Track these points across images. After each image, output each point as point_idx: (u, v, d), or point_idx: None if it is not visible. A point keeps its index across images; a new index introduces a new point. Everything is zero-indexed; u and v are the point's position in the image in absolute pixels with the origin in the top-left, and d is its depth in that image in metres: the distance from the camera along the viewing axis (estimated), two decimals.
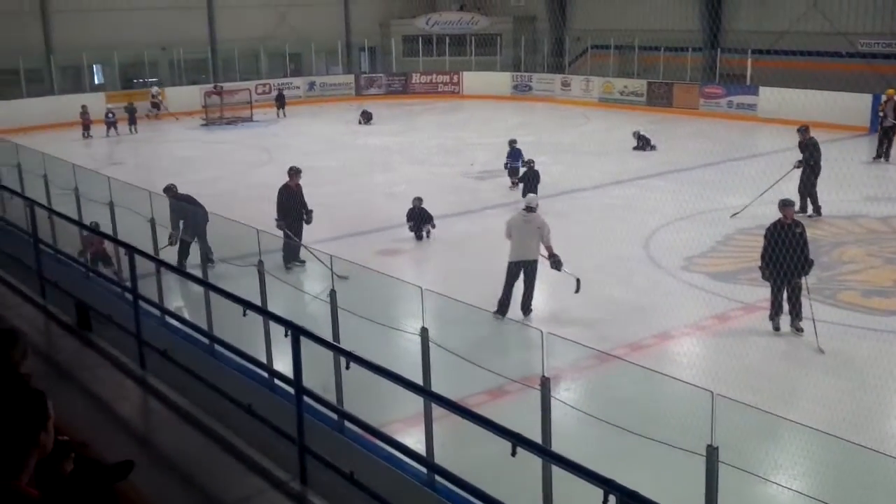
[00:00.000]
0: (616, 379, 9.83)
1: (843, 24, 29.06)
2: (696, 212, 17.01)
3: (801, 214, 14.79)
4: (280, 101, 34.59)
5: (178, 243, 12.72)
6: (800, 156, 16.64)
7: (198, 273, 10.38)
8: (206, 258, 11.54)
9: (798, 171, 16.55)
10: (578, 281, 11.79)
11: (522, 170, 19.21)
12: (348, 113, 33.35)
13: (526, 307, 11.96)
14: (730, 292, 12.64)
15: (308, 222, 14.45)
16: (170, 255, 11.79)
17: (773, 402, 8.43)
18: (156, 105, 33.31)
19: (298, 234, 14.39)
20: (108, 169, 21.73)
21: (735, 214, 16.59)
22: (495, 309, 11.67)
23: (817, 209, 16.63)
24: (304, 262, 14.06)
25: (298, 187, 14.56)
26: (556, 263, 11.88)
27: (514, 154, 20.04)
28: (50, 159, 13.73)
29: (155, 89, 33.79)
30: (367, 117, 31.74)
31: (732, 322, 11.75)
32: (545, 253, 11.88)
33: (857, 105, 25.71)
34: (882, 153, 21.96)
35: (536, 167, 18.83)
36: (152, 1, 35.30)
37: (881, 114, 22.45)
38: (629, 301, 12.56)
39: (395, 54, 40.63)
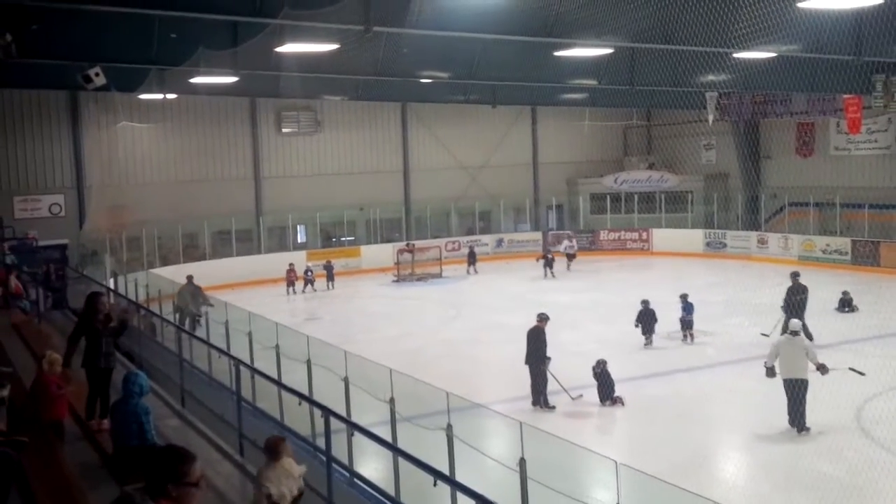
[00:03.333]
0: None
1: None
2: None
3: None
4: (471, 258, 35.43)
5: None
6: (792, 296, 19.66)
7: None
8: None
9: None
10: (857, 371, 13.74)
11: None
12: (535, 269, 33.64)
13: (799, 424, 13.31)
14: None
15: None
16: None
17: None
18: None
19: (542, 375, 15.24)
20: (307, 325, 22.83)
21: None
22: (788, 420, 13.42)
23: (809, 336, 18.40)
24: (553, 407, 15.08)
25: (540, 330, 15.59)
26: (824, 371, 13.44)
27: (688, 308, 20.40)
28: (254, 317, 14.53)
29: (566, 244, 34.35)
30: (549, 263, 32.65)
31: None
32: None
33: None
34: None
35: (688, 307, 20.39)
36: (353, 166, 37.86)
37: None
38: (840, 479, 11.48)
39: (582, 212, 41.03)
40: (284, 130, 36.93)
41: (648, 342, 20.12)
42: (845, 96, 29.45)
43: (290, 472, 6.47)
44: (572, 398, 15.31)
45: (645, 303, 20.36)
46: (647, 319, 20.14)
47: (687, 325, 20.34)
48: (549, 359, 15.39)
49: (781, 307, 19.40)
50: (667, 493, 9.68)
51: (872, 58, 18.79)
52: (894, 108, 27.87)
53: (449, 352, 20.50)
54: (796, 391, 13.32)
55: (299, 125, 37.18)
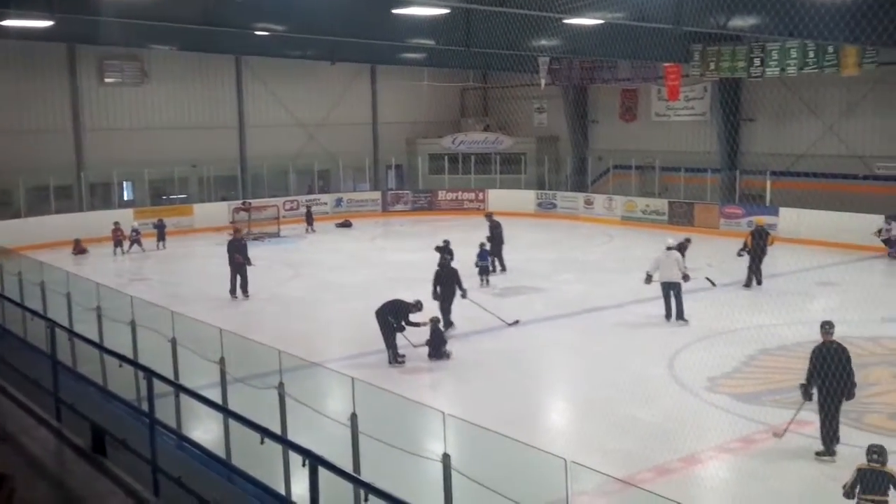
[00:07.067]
0: None
1: (859, 148, 29.46)
2: (717, 332, 16.89)
3: (501, 273, 23.45)
4: (309, 218, 35.08)
5: None
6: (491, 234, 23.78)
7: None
8: None
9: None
10: (710, 280, 19.75)
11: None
12: (375, 228, 33.74)
13: (679, 316, 17.69)
14: (754, 414, 12.49)
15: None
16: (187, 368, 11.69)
17: None
18: None
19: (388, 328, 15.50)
20: (133, 286, 21.97)
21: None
22: (664, 313, 17.89)
23: (504, 268, 23.74)
24: (404, 356, 15.50)
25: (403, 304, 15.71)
26: (686, 279, 17.73)
27: (483, 255, 22.47)
28: (74, 277, 13.87)
29: None
30: (346, 225, 35.37)
31: (758, 445, 11.52)
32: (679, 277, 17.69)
33: (873, 226, 25.78)
34: None
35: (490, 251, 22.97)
36: (184, 120, 36.43)
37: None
38: (653, 422, 12.30)
39: (421, 172, 41.36)
40: (107, 80, 34.90)
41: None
42: (665, 64, 31.01)
43: None
44: (414, 346, 15.63)
45: (446, 242, 22.36)
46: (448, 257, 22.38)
47: (483, 270, 22.30)
48: (403, 327, 15.53)
49: (487, 237, 23.58)
50: (494, 443, 10.07)
51: (690, 28, 19.85)
52: (710, 76, 29.68)
53: (286, 311, 20.34)
54: (674, 291, 17.73)
55: (123, 75, 35.24)
